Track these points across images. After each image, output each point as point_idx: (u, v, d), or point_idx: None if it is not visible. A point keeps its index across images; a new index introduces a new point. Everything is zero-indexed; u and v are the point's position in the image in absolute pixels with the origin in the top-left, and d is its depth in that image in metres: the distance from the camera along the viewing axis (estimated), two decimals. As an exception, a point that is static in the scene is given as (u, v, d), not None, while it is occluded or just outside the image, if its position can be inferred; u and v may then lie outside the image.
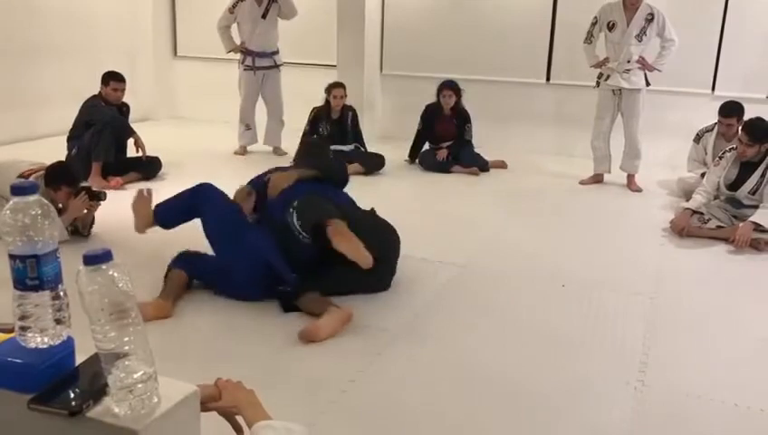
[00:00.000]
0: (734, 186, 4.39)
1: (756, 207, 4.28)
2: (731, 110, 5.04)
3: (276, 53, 6.40)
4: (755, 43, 6.03)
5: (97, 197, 3.88)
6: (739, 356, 2.82)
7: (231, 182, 5.46)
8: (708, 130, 5.33)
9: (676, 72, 5.74)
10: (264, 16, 6.30)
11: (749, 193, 4.34)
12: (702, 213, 4.40)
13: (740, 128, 4.47)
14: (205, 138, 7.14)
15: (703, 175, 4.82)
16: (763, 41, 6.01)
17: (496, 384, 2.53)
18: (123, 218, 4.28)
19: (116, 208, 4.25)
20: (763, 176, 4.28)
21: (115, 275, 0.98)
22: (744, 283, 3.69)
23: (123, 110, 5.42)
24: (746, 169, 4.35)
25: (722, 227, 4.34)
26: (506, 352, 2.78)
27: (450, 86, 6.03)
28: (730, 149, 4.53)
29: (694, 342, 2.93)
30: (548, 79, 6.83)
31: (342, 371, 2.57)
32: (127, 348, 0.99)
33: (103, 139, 5.05)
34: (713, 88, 6.21)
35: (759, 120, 4.34)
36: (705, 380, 2.59)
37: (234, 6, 6.30)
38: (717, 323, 3.13)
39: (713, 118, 5.27)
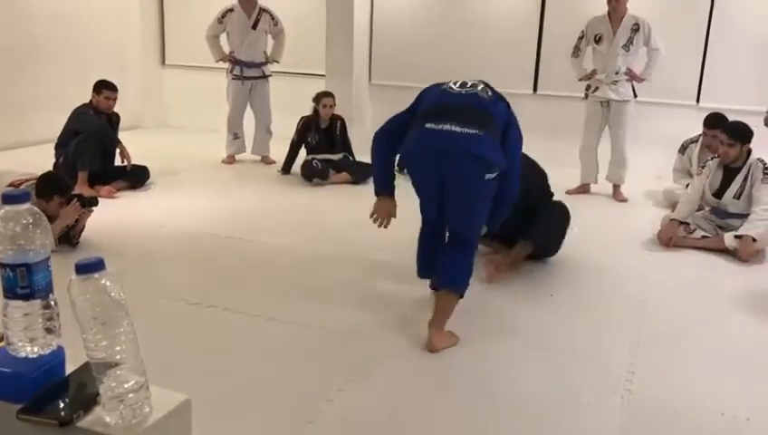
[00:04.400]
0: (719, 192, 4.44)
1: (740, 215, 4.34)
2: (715, 121, 5.11)
3: (265, 63, 6.41)
4: (739, 55, 6.11)
5: (89, 203, 3.88)
6: (725, 365, 2.84)
7: (220, 191, 5.51)
8: (693, 141, 5.40)
9: (661, 83, 5.80)
10: (254, 27, 6.32)
11: (733, 197, 4.38)
12: (688, 223, 4.45)
13: (720, 131, 4.53)
14: (193, 146, 7.11)
15: (688, 186, 4.87)
16: (746, 53, 6.09)
17: (485, 393, 2.54)
18: (112, 226, 4.28)
19: (105, 217, 4.25)
20: (745, 179, 4.34)
21: (107, 284, 0.98)
22: (729, 293, 3.71)
23: (113, 119, 5.40)
24: (730, 174, 4.41)
25: (707, 237, 4.39)
26: (495, 361, 2.79)
27: (438, 96, 6.04)
28: (712, 157, 4.60)
29: (680, 351, 2.95)
30: (535, 90, 6.88)
31: (331, 380, 2.57)
32: (118, 357, 0.99)
33: (89, 147, 5.02)
34: (697, 99, 6.28)
35: (739, 121, 4.46)
36: (692, 389, 2.61)
37: (223, 16, 6.31)
38: (703, 332, 3.16)
39: (697, 129, 5.34)
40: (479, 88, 2.99)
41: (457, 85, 3.01)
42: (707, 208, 4.56)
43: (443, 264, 2.98)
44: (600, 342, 3.01)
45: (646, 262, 4.12)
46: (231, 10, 6.31)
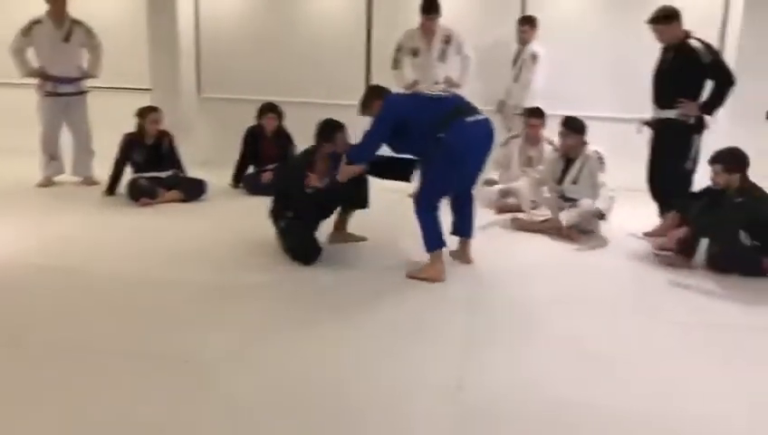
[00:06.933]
0: (561, 179, 4.99)
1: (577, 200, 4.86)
2: (533, 112, 5.66)
3: (81, 78, 6.00)
4: (548, 66, 6.63)
5: None
6: (552, 353, 2.99)
7: (36, 217, 5.05)
8: (514, 136, 5.86)
9: (476, 91, 6.19)
10: (66, 40, 5.90)
11: (572, 183, 4.92)
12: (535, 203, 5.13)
13: (560, 123, 5.01)
14: (1, 171, 6.48)
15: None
16: (553, 63, 6.60)
17: (316, 404, 2.50)
18: None
19: None
20: (580, 170, 4.88)
21: None
22: (559, 281, 3.97)
23: None
24: (568, 163, 4.96)
25: (547, 219, 4.96)
26: (325, 369, 2.77)
27: (271, 109, 6.01)
28: (554, 150, 5.20)
29: (509, 342, 3.08)
30: (366, 99, 7.01)
31: (167, 408, 2.42)
32: None
33: None
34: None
35: (573, 116, 5.00)
36: (520, 378, 2.74)
37: (28, 29, 5.82)
38: (532, 322, 3.33)
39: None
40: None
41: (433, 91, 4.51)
42: (556, 194, 5.07)
43: (470, 222, 4.18)
44: (430, 338, 3.08)
45: (478, 254, 4.28)
46: (38, 22, 5.84)
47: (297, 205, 4.18)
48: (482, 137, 3.91)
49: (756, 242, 4.08)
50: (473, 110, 3.95)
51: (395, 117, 3.89)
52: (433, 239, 3.93)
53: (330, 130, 4.28)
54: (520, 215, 5.23)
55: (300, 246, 4.09)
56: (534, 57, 6.05)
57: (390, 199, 5.22)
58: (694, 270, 4.18)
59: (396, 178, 4.35)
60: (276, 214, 4.30)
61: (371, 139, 3.94)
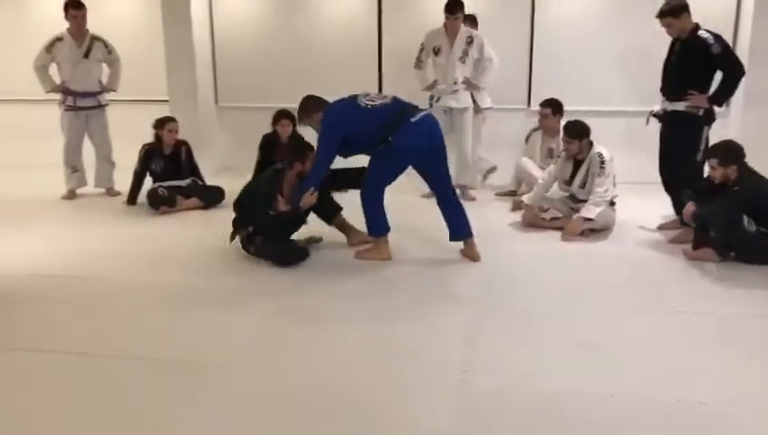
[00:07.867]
0: (570, 181, 4.96)
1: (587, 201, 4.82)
2: (546, 102, 5.73)
3: (101, 92, 6.17)
4: (560, 61, 6.64)
5: None
6: (556, 346, 3.03)
7: (61, 229, 5.20)
8: (535, 129, 5.91)
9: (496, 89, 6.20)
10: (86, 56, 6.07)
11: (579, 187, 4.88)
12: (543, 207, 5.02)
13: (563, 133, 5.02)
14: (28, 184, 6.67)
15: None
16: (565, 59, 6.62)
17: (318, 400, 2.56)
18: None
19: None
20: (587, 173, 4.81)
21: None
22: (566, 274, 4.02)
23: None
24: (577, 165, 4.92)
25: (557, 218, 4.93)
26: (325, 367, 2.83)
27: (285, 115, 6.09)
28: (564, 149, 5.07)
29: (513, 337, 3.13)
30: (380, 102, 7.07)
31: (163, 411, 2.50)
32: None
33: None
34: (528, 103, 6.75)
35: (575, 120, 4.96)
36: (521, 371, 2.78)
37: (51, 46, 6.01)
38: (539, 316, 3.37)
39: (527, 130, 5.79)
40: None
41: (372, 99, 4.19)
42: (566, 195, 5.06)
43: (464, 222, 4.26)
44: (434, 335, 3.14)
45: (486, 251, 4.33)
46: (60, 39, 6.02)
47: (259, 223, 4.25)
48: (426, 132, 4.12)
49: (762, 228, 4.05)
50: (414, 108, 4.19)
51: (338, 134, 4.08)
52: (377, 225, 4.23)
53: (302, 149, 4.40)
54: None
55: (279, 257, 4.19)
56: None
57: (401, 200, 5.27)
58: (708, 261, 4.17)
59: (349, 187, 4.48)
60: (242, 235, 4.37)
61: (321, 161, 4.13)
